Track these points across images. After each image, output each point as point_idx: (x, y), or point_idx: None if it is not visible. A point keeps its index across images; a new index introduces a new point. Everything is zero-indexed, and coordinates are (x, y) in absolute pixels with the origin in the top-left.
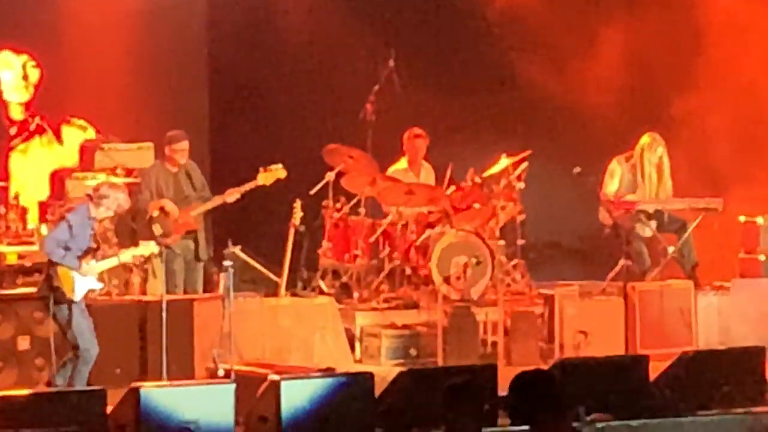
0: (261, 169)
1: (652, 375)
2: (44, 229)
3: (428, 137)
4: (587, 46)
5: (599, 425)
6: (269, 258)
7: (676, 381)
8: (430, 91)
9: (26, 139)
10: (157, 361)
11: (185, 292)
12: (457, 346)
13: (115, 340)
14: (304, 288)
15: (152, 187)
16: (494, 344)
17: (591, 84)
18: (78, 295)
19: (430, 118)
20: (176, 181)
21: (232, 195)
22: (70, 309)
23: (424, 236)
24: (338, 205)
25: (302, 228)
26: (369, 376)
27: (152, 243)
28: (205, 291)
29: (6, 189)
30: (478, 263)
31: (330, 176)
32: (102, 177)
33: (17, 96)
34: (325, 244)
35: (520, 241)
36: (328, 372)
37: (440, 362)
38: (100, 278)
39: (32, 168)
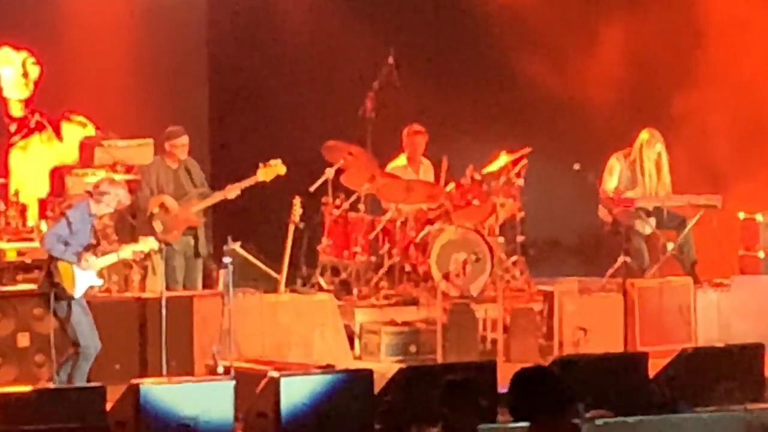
0: (260, 164)
1: (652, 372)
2: (44, 226)
3: (427, 134)
4: (587, 44)
5: (598, 422)
6: (269, 255)
7: (675, 378)
8: (429, 87)
9: (26, 136)
10: (157, 358)
11: (185, 289)
12: (456, 343)
13: (115, 336)
14: (304, 285)
15: (152, 183)
16: (494, 341)
17: (591, 81)
18: (78, 292)
19: (429, 115)
20: (176, 178)
21: (232, 191)
22: (69, 305)
23: (423, 233)
24: (338, 202)
25: (302, 225)
26: (368, 373)
27: (152, 239)
28: (204, 288)
29: (6, 186)
30: (477, 260)
31: (329, 173)
32: (102, 174)
33: (17, 93)
34: (325, 240)
35: (520, 238)
36: (327, 369)
37: (440, 359)
38: (100, 275)
39: (32, 165)
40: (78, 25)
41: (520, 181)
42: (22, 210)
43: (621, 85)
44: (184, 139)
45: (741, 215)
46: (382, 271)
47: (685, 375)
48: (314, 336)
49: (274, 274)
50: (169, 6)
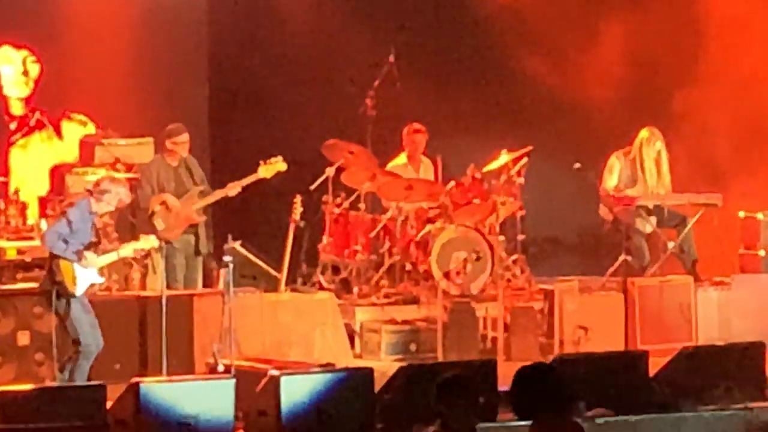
0: (261, 162)
1: (652, 370)
2: (44, 225)
3: (427, 132)
4: (588, 43)
5: (599, 420)
6: (269, 253)
7: (675, 376)
8: (430, 86)
9: (26, 135)
10: (157, 357)
11: (185, 288)
12: (456, 341)
13: (115, 335)
14: (304, 283)
15: (153, 181)
16: (494, 339)
17: (591, 79)
18: (80, 290)
19: (429, 114)
20: (177, 175)
21: (233, 188)
22: (68, 303)
23: (424, 231)
24: (338, 201)
25: (302, 223)
26: (369, 372)
27: (153, 237)
28: (204, 286)
29: (6, 184)
30: (477, 259)
31: (330, 171)
32: (102, 172)
33: (17, 91)
34: (325, 239)
35: (520, 237)
36: (327, 367)
37: (440, 357)
38: (101, 273)
39: (32, 163)
40: (78, 23)
41: (521, 180)
42: (23, 208)
43: (621, 84)
44: (185, 137)
45: (741, 214)
46: (382, 270)
47: (685, 374)
48: (315, 335)
49: (274, 272)
50: (170, 5)
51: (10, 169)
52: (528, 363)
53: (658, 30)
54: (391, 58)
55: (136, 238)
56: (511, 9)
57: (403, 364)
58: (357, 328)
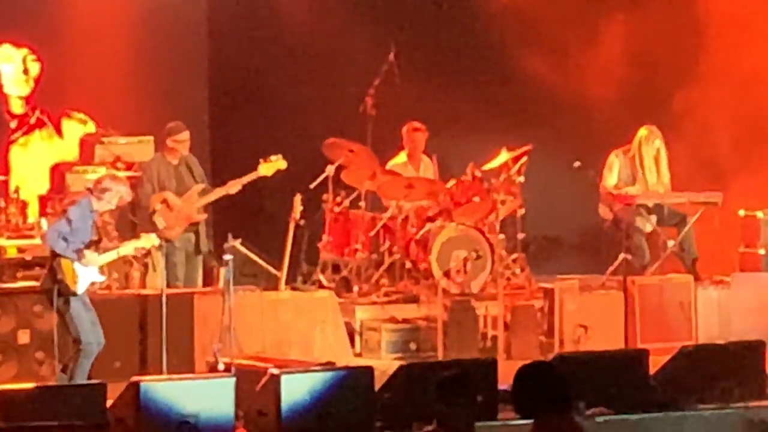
0: (261, 160)
1: (652, 369)
2: (44, 223)
3: (427, 131)
4: (588, 40)
5: (599, 419)
6: (269, 252)
7: (676, 375)
8: (430, 84)
9: (26, 133)
10: (157, 355)
11: (185, 286)
12: (457, 340)
13: (115, 333)
14: (304, 282)
15: (154, 180)
16: (494, 338)
17: (592, 78)
18: (81, 288)
19: (430, 112)
20: (177, 174)
21: (233, 186)
22: (68, 302)
23: (424, 230)
24: (338, 199)
25: (302, 222)
26: (369, 370)
27: (153, 235)
28: (204, 285)
29: (6, 183)
30: (478, 257)
31: (330, 170)
32: (102, 170)
33: (17, 89)
34: (325, 237)
35: (520, 235)
36: (327, 366)
37: (440, 356)
38: (101, 271)
39: (32, 161)
40: (78, 22)
41: (521, 179)
42: (23, 207)
43: (622, 83)
44: (186, 135)
45: (741, 212)
46: (382, 269)
47: (685, 372)
48: (315, 333)
49: (274, 271)
50: (169, 5)
51: (11, 167)
52: (528, 362)
53: (658, 29)
54: (392, 57)
55: (136, 236)
56: (512, 8)
57: (403, 362)
58: (357, 326)
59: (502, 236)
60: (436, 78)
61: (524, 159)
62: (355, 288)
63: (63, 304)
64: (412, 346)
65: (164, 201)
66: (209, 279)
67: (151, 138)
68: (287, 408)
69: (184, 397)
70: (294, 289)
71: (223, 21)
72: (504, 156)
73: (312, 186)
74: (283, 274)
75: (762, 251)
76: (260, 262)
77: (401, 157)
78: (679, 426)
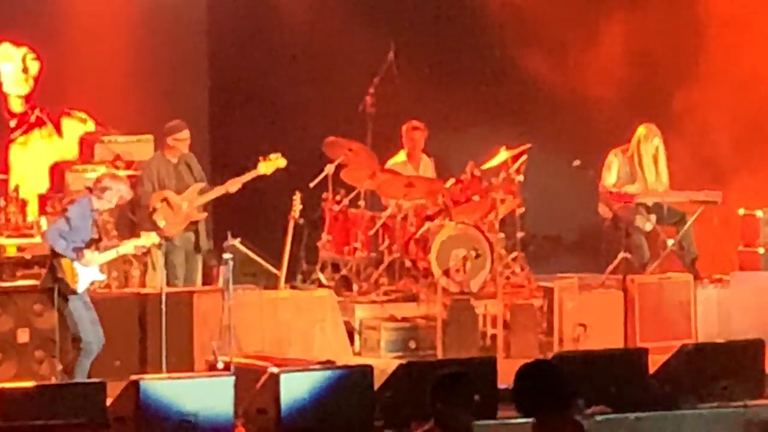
0: (260, 158)
1: (652, 368)
2: (44, 222)
3: (427, 130)
4: (588, 39)
5: (599, 418)
6: (269, 251)
7: (675, 374)
8: (429, 83)
9: (26, 132)
10: (157, 354)
11: (185, 285)
12: (456, 338)
13: (115, 332)
14: (304, 281)
15: (154, 178)
16: (493, 337)
17: (592, 77)
18: (81, 287)
19: (429, 111)
20: (177, 172)
21: (233, 184)
22: (67, 300)
23: (423, 229)
24: (338, 198)
25: (302, 221)
26: (368, 369)
27: (153, 234)
28: (204, 283)
29: (6, 181)
30: (477, 256)
31: (329, 169)
32: (102, 169)
33: (17, 88)
34: (325, 236)
35: (520, 234)
36: (327, 365)
37: (440, 355)
38: (101, 270)
39: (32, 160)
40: (78, 20)
41: (520, 177)
42: (22, 206)
43: (622, 82)
44: (186, 133)
45: (741, 211)
46: (382, 267)
47: (685, 371)
48: (314, 332)
49: (274, 270)
50: (169, 5)
51: (10, 166)
52: (528, 360)
53: (658, 29)
54: (391, 56)
55: (136, 235)
56: (512, 7)
57: (403, 361)
58: (356, 325)
59: (501, 235)
60: (435, 77)
61: (524, 158)
62: (355, 287)
63: (63, 303)
64: (412, 344)
65: (164, 200)
66: (209, 278)
67: (150, 137)
68: (287, 407)
69: (183, 396)
70: (293, 287)
71: (223, 21)
72: (503, 155)
73: (312, 185)
74: (282, 273)
75: (761, 250)
76: (260, 260)
77: (401, 156)
78: (679, 425)
